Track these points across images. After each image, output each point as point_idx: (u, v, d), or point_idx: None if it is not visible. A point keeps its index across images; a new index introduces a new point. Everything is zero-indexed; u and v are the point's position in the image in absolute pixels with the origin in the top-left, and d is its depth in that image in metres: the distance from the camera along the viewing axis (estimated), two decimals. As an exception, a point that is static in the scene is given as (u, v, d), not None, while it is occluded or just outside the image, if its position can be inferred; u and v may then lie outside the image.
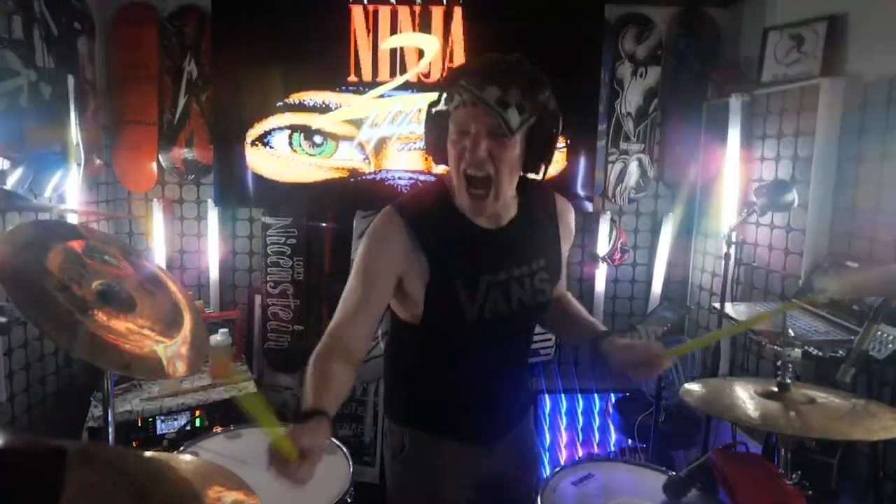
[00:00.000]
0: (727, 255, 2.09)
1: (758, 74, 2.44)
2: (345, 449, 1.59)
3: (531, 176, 1.22)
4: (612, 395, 2.98)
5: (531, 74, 1.12)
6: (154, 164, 2.57)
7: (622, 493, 1.37)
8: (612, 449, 3.01)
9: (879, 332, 1.52)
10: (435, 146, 1.19)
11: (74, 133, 2.15)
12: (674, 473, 1.35)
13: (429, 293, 1.17)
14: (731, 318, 2.09)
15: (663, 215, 2.93)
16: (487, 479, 1.33)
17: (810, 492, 1.24)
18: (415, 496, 1.32)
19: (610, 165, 2.85)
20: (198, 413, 2.22)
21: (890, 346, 1.64)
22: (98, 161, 2.43)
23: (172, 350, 1.41)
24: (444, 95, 1.15)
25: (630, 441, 2.85)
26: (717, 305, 2.17)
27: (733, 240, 2.02)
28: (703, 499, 1.38)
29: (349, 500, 1.43)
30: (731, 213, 2.54)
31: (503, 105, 1.07)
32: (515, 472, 1.39)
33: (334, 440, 1.65)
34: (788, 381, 1.36)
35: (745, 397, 1.37)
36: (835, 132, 2.13)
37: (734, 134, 2.51)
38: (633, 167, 2.87)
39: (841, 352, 1.63)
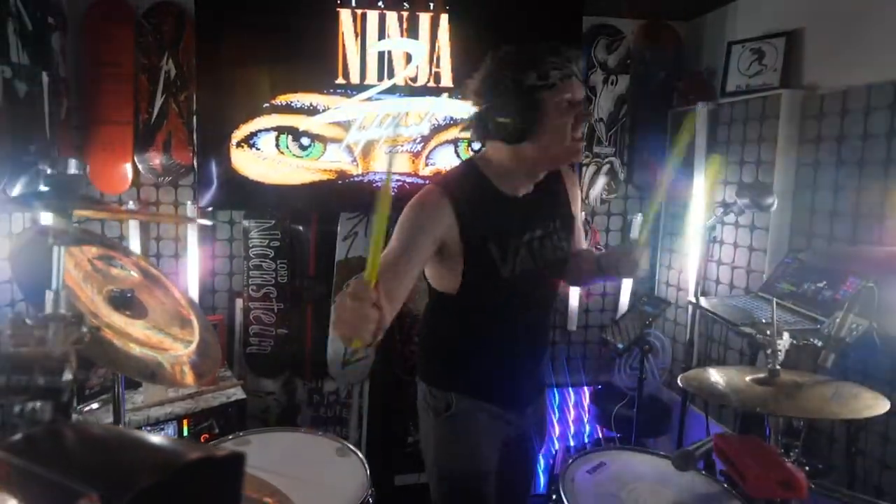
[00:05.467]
0: (702, 252, 2.24)
1: (722, 85, 2.62)
2: (360, 454, 1.61)
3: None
4: (587, 388, 3.11)
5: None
6: (128, 166, 2.47)
7: (636, 479, 1.47)
8: (587, 439, 3.14)
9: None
10: (523, 120, 1.27)
11: (49, 132, 2.05)
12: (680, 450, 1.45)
13: (467, 255, 1.32)
14: (707, 310, 2.23)
15: (632, 215, 3.08)
16: (513, 438, 1.49)
17: (807, 468, 1.36)
18: (460, 448, 1.43)
19: (584, 168, 2.98)
20: (185, 422, 2.16)
21: (854, 333, 1.81)
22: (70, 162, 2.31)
23: (190, 357, 1.39)
24: (529, 75, 1.26)
25: (604, 431, 2.98)
26: (693, 300, 2.31)
27: (709, 238, 2.17)
28: (704, 480, 1.49)
29: (370, 502, 1.46)
30: (699, 213, 2.71)
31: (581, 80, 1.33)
32: (534, 434, 1.56)
33: (347, 444, 1.66)
34: (778, 367, 1.49)
35: (741, 385, 1.49)
36: (794, 139, 2.32)
37: (700, 139, 2.68)
38: (605, 170, 3.01)
39: (814, 339, 1.78)
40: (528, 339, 1.48)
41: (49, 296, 0.71)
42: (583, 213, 1.54)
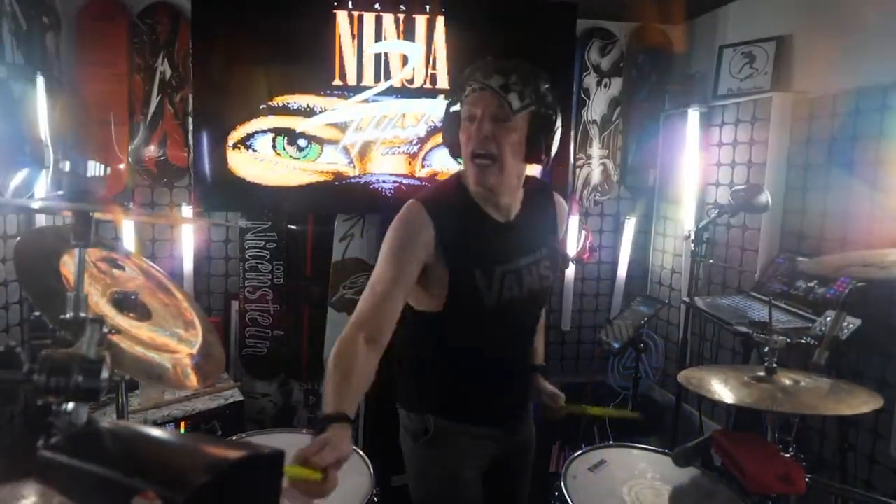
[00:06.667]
0: (695, 253, 2.27)
1: (714, 88, 2.66)
2: (362, 453, 1.61)
3: (530, 172, 1.38)
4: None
5: (532, 69, 1.27)
6: (123, 167, 2.45)
7: (636, 476, 1.48)
8: (581, 438, 3.16)
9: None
10: (451, 139, 1.31)
11: (44, 133, 2.03)
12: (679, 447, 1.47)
13: (452, 283, 1.26)
14: (702, 309, 2.27)
15: (625, 216, 3.12)
16: (497, 457, 1.44)
17: (804, 463, 1.39)
18: (439, 476, 1.37)
19: (578, 170, 3.01)
20: (183, 425, 2.15)
21: (846, 331, 1.85)
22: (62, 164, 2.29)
23: (194, 358, 1.39)
24: (458, 93, 1.28)
25: (598, 430, 3.01)
26: (687, 299, 2.35)
27: (703, 238, 2.20)
28: (704, 476, 1.51)
29: (376, 501, 1.46)
30: (690, 214, 2.75)
31: (505, 90, 1.21)
32: (519, 451, 1.51)
33: (351, 446, 1.66)
34: (775, 365, 1.52)
35: (739, 383, 1.51)
36: (785, 141, 2.36)
37: (693, 141, 2.72)
38: (598, 171, 3.04)
39: (807, 338, 1.82)
40: (509, 364, 1.43)
41: (70, 298, 0.70)
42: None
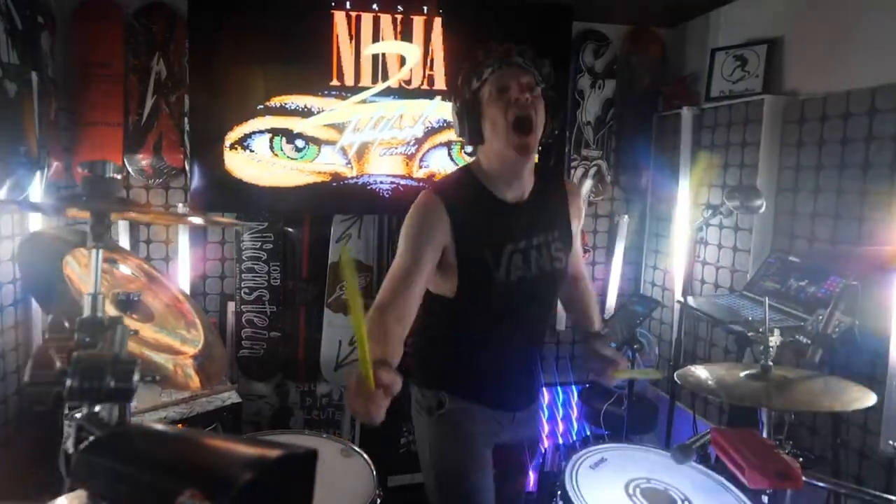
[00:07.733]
0: (691, 252, 2.31)
1: (706, 90, 2.69)
2: (364, 454, 1.62)
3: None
4: (575, 387, 3.17)
5: (535, 52, 1.36)
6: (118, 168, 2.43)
7: (636, 473, 1.51)
8: (576, 437, 3.19)
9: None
10: (472, 123, 1.34)
11: (38, 133, 2.02)
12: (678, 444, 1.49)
13: (462, 262, 1.32)
14: (695, 308, 2.30)
15: (619, 217, 3.15)
16: (500, 445, 1.49)
17: (801, 459, 1.42)
18: (456, 441, 1.43)
19: (572, 170, 3.03)
20: (180, 427, 2.14)
21: (837, 329, 1.89)
22: (56, 164, 2.27)
23: (198, 359, 1.38)
24: (472, 79, 1.33)
25: (593, 428, 3.04)
26: (681, 299, 2.38)
27: (696, 238, 2.23)
28: (702, 473, 1.54)
29: (378, 502, 1.47)
30: (684, 214, 2.79)
31: (528, 65, 1.31)
32: (519, 448, 1.55)
33: (352, 445, 1.67)
34: (770, 363, 1.55)
35: (735, 381, 1.54)
36: (776, 143, 2.40)
37: (686, 143, 2.75)
38: (592, 172, 3.07)
39: (799, 336, 1.86)
40: (520, 347, 1.48)
41: (83, 299, 0.71)
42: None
